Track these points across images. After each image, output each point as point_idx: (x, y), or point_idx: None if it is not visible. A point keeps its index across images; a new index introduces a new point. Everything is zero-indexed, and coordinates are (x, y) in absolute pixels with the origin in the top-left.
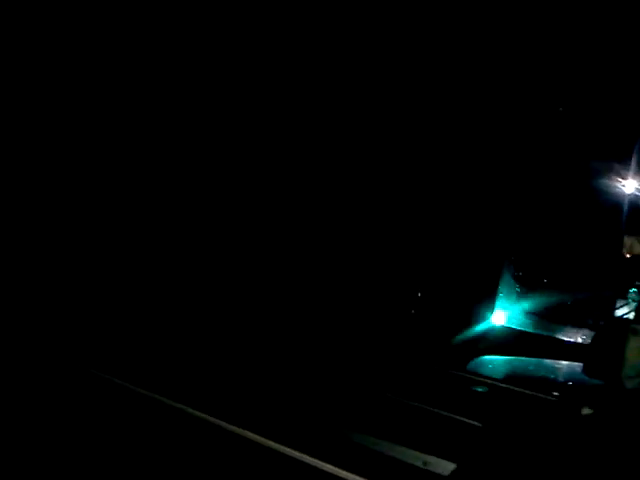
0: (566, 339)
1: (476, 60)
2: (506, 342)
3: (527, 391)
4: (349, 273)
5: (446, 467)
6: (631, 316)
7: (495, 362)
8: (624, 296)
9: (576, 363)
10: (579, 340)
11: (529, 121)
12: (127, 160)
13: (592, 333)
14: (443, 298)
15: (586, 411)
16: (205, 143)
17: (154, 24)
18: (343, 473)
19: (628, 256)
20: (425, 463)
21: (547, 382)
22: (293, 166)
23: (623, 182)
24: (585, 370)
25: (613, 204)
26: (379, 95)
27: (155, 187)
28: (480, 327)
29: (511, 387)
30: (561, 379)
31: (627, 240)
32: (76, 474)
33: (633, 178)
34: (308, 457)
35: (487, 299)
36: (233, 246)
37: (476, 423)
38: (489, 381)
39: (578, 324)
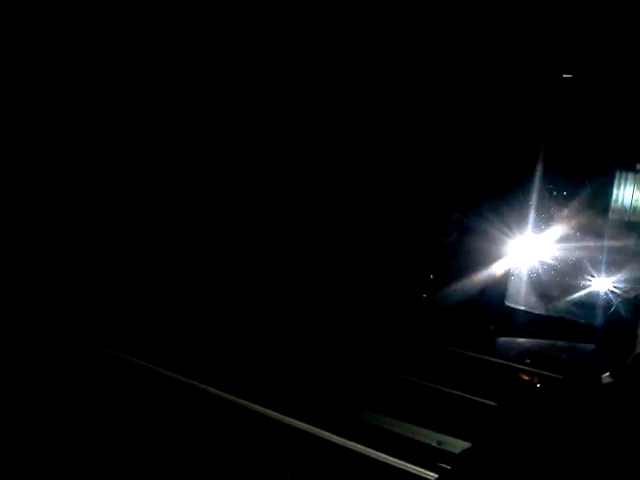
0: (580, 320)
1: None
2: (520, 324)
3: (541, 371)
4: (362, 257)
5: (461, 446)
6: None
7: (509, 343)
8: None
9: (590, 344)
10: (593, 321)
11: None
12: (133, 155)
13: (605, 314)
14: (455, 280)
15: (607, 379)
16: (206, 143)
17: (154, 24)
18: (360, 447)
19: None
20: (440, 442)
21: (561, 363)
22: (311, 156)
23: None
24: (599, 350)
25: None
26: (381, 86)
27: (167, 175)
28: (493, 309)
29: (525, 367)
30: (575, 359)
31: None
32: (86, 448)
33: None
34: (327, 433)
35: (500, 281)
36: (246, 224)
37: (491, 403)
38: (503, 362)
39: (590, 305)
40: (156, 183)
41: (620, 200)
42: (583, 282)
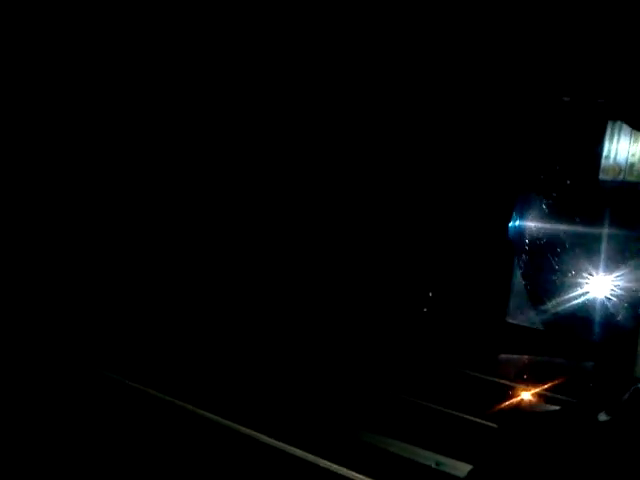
0: (581, 337)
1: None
2: (521, 341)
3: (543, 391)
4: (360, 272)
5: (459, 467)
6: None
7: (510, 361)
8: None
9: (592, 362)
10: (595, 338)
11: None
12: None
13: (607, 331)
14: (455, 297)
15: (603, 417)
16: (206, 144)
17: (154, 24)
18: (353, 474)
19: None
20: (437, 463)
21: (563, 382)
22: (301, 167)
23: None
24: (597, 367)
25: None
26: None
27: (163, 187)
28: (494, 326)
29: (525, 387)
30: (578, 378)
31: None
32: (86, 474)
33: None
34: (319, 458)
35: (500, 297)
36: (240, 247)
37: (490, 424)
38: (503, 381)
39: (592, 322)
40: (157, 198)
41: (613, 157)
42: (584, 296)
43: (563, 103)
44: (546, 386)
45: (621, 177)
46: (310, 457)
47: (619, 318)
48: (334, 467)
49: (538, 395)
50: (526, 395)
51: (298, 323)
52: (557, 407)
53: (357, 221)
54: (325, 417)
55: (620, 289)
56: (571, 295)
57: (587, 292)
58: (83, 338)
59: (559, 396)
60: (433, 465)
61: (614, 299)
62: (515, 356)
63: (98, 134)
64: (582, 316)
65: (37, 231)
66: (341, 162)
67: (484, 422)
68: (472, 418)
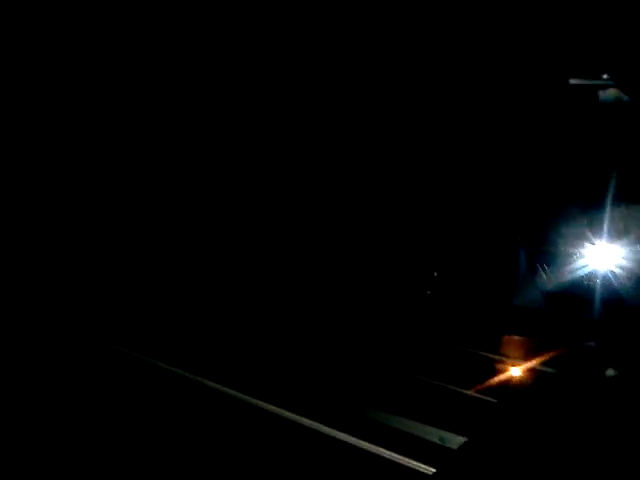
0: (585, 316)
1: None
2: (526, 322)
3: (546, 369)
4: (365, 253)
5: (461, 442)
6: None
7: (514, 342)
8: None
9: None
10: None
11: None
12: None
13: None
14: (460, 278)
15: (610, 372)
16: (207, 143)
17: (154, 24)
18: (361, 443)
19: None
20: (442, 439)
21: (567, 361)
22: (318, 150)
23: None
24: (600, 347)
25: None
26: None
27: (179, 168)
28: (500, 306)
29: (531, 365)
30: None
31: None
32: (97, 446)
33: None
34: (326, 427)
35: (506, 278)
36: (252, 219)
37: (492, 399)
38: (507, 359)
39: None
40: (170, 175)
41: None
42: (587, 277)
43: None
44: (545, 362)
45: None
46: (317, 425)
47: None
48: (341, 435)
49: (539, 371)
50: (527, 371)
51: (307, 303)
52: (558, 380)
53: (362, 202)
54: (333, 394)
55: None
56: (575, 272)
57: (592, 269)
58: (96, 315)
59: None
60: (437, 441)
61: (620, 274)
62: (519, 336)
63: (99, 134)
64: (588, 294)
65: (56, 215)
66: (350, 145)
67: (488, 399)
68: (476, 395)
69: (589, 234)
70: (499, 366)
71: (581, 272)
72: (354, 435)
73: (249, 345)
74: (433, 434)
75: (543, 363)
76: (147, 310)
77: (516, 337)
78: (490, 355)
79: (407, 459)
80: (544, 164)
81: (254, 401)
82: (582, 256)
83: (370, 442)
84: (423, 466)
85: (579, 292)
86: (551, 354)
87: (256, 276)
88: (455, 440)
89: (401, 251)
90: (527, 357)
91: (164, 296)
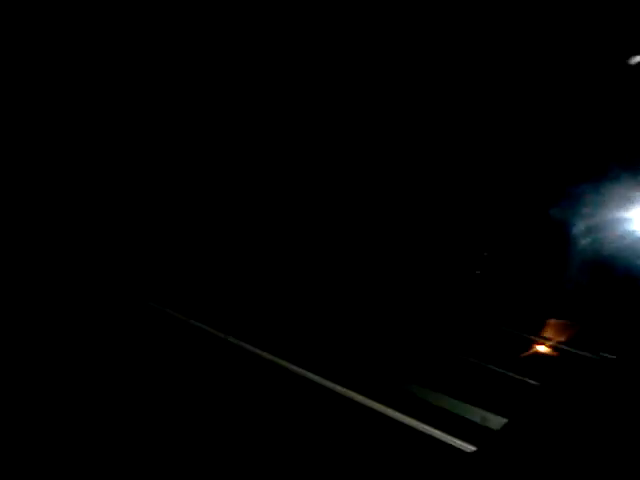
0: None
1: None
2: (575, 305)
3: (592, 355)
4: (418, 230)
5: (502, 424)
6: None
7: (559, 325)
8: None
9: None
10: None
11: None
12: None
13: None
14: (511, 258)
15: None
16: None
17: (154, 24)
18: (404, 418)
19: None
20: (483, 419)
21: (613, 346)
22: (343, 149)
23: None
24: None
25: None
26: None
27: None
28: (548, 289)
29: (578, 351)
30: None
31: None
32: (132, 396)
33: None
34: (372, 401)
35: (557, 261)
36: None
37: (534, 382)
38: (550, 342)
39: None
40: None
41: None
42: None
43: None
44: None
45: None
46: (359, 398)
47: None
48: (386, 410)
49: (582, 356)
50: (570, 355)
51: (358, 280)
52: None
53: (413, 182)
54: (380, 371)
55: None
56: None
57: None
58: (132, 274)
59: (605, 356)
60: (479, 421)
61: None
62: (565, 320)
63: (100, 134)
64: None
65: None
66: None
67: (530, 381)
68: (519, 377)
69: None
70: (542, 349)
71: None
72: (398, 410)
73: (287, 310)
74: (475, 413)
75: (586, 348)
76: (177, 272)
77: (562, 321)
78: (534, 338)
79: (448, 436)
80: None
81: (290, 366)
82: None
83: (413, 418)
84: (464, 444)
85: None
86: (594, 339)
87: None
88: (496, 421)
89: (452, 230)
90: (571, 341)
91: (193, 261)
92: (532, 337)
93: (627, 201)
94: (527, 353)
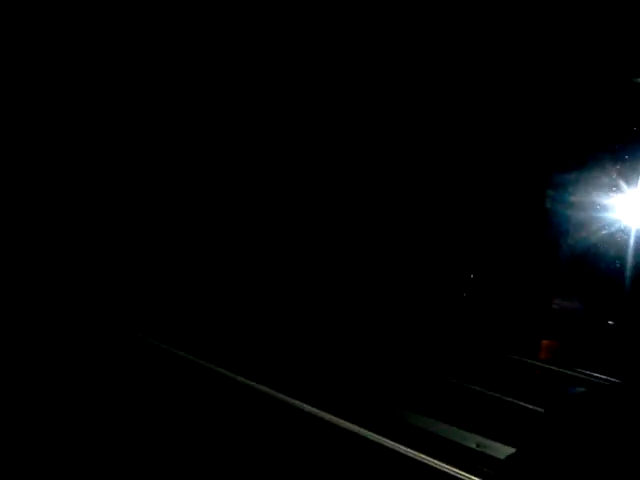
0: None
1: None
2: (567, 327)
3: (592, 376)
4: (400, 255)
5: (499, 450)
6: None
7: (555, 348)
8: None
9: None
10: None
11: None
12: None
13: None
14: (497, 280)
15: None
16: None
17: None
18: (397, 445)
19: None
20: (478, 445)
21: (614, 366)
22: (355, 150)
23: None
24: None
25: None
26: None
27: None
28: (539, 310)
29: (574, 373)
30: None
31: None
32: (118, 428)
33: None
34: (363, 429)
35: (546, 282)
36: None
37: (534, 407)
38: (548, 366)
39: None
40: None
41: None
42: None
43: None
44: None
45: None
46: (356, 428)
47: None
48: (378, 438)
49: (583, 379)
50: (571, 379)
51: (346, 304)
52: (605, 391)
53: (396, 204)
54: (370, 397)
55: None
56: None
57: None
58: (120, 307)
59: (606, 379)
60: (474, 446)
61: None
62: (560, 340)
63: (100, 134)
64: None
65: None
66: (385, 141)
67: (526, 405)
68: (514, 400)
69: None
70: (535, 371)
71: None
72: (389, 437)
73: (278, 341)
74: (469, 439)
75: (584, 370)
76: (164, 302)
77: (554, 341)
78: (526, 359)
79: (442, 464)
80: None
81: (284, 397)
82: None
83: (406, 445)
84: (460, 472)
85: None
86: (598, 362)
87: (284, 280)
88: (492, 446)
89: (438, 253)
90: (563, 362)
91: (179, 289)
92: (523, 359)
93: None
94: (518, 375)
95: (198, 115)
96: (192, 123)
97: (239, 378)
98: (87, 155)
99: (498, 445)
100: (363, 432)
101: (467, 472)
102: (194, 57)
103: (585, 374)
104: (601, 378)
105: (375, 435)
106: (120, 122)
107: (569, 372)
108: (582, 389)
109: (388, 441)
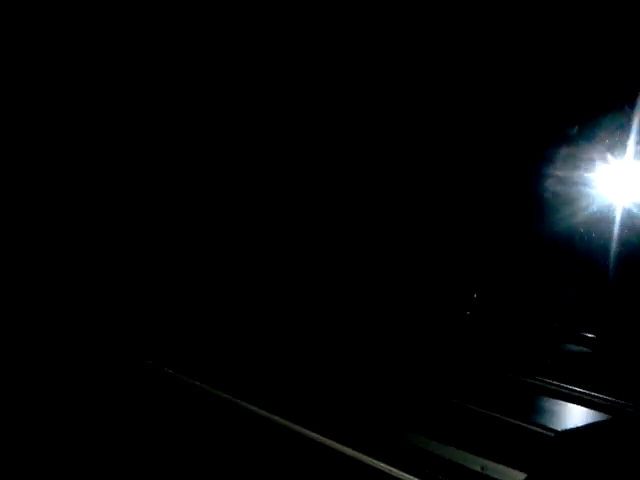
0: None
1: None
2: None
3: (602, 399)
4: (403, 273)
5: (504, 472)
6: None
7: (563, 368)
8: None
9: None
10: None
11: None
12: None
13: None
14: (500, 299)
15: None
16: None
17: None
18: (398, 472)
19: None
20: (483, 468)
21: (626, 388)
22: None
23: None
24: None
25: None
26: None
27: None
28: (545, 330)
29: (583, 394)
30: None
31: None
32: (129, 457)
33: None
34: (364, 456)
35: (546, 300)
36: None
37: (541, 430)
38: (552, 387)
39: None
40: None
41: None
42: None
43: None
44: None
45: None
46: (355, 454)
47: None
48: (380, 465)
49: (594, 402)
50: (579, 401)
51: (344, 322)
52: (616, 415)
53: (399, 220)
54: (372, 418)
55: None
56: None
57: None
58: (130, 332)
59: (619, 402)
60: (479, 469)
61: None
62: (566, 360)
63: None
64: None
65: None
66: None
67: (530, 427)
68: (518, 422)
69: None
70: (539, 391)
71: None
72: (392, 461)
73: (280, 363)
74: (473, 462)
75: (595, 393)
76: (177, 328)
77: (558, 361)
78: (529, 380)
79: None
80: None
81: (286, 423)
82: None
83: (409, 471)
84: None
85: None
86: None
87: (286, 297)
88: (496, 469)
89: (441, 272)
90: (577, 382)
91: (190, 317)
92: (527, 379)
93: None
94: (519, 396)
95: (220, 125)
96: (215, 138)
97: (238, 401)
98: (97, 165)
99: (502, 467)
100: (366, 459)
101: None
102: (197, 59)
103: (598, 397)
104: (615, 401)
105: (378, 462)
106: (139, 140)
107: (579, 394)
108: (594, 412)
109: (392, 469)
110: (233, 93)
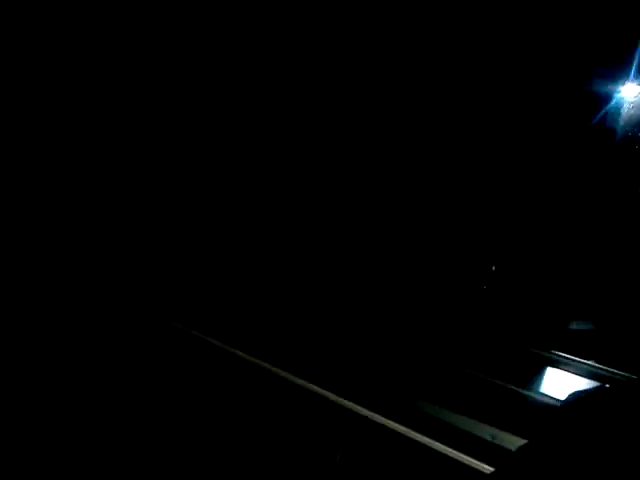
0: None
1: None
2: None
3: (614, 371)
4: (423, 244)
5: (514, 442)
6: None
7: (579, 339)
8: None
9: None
10: None
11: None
12: None
13: None
14: (519, 272)
15: None
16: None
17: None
18: (410, 432)
19: None
20: (493, 437)
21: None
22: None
23: None
24: None
25: None
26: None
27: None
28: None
29: (596, 366)
30: None
31: None
32: (155, 415)
33: None
34: (380, 417)
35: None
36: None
37: (551, 401)
38: (570, 359)
39: None
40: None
41: None
42: None
43: None
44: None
45: None
46: (368, 413)
47: None
48: (392, 424)
49: (605, 375)
50: (591, 373)
51: (363, 296)
52: (626, 387)
53: (416, 193)
54: (385, 386)
55: None
56: None
57: None
58: (156, 294)
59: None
60: (489, 438)
61: None
62: (584, 334)
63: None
64: None
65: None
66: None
67: (543, 399)
68: (532, 394)
69: None
70: (554, 364)
71: None
72: (404, 424)
73: (301, 328)
74: (484, 431)
75: (609, 364)
76: (203, 290)
77: (575, 334)
78: (544, 353)
79: (464, 455)
80: None
81: (303, 383)
82: None
83: (424, 434)
84: (480, 464)
85: None
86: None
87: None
88: (506, 438)
89: (459, 244)
90: (588, 356)
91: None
92: (541, 352)
93: None
94: (534, 368)
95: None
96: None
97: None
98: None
99: (514, 438)
100: (377, 417)
101: (480, 460)
102: (194, 57)
103: (607, 370)
104: (623, 375)
105: (389, 421)
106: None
107: (591, 366)
108: (602, 384)
109: (401, 427)
110: (233, 92)
